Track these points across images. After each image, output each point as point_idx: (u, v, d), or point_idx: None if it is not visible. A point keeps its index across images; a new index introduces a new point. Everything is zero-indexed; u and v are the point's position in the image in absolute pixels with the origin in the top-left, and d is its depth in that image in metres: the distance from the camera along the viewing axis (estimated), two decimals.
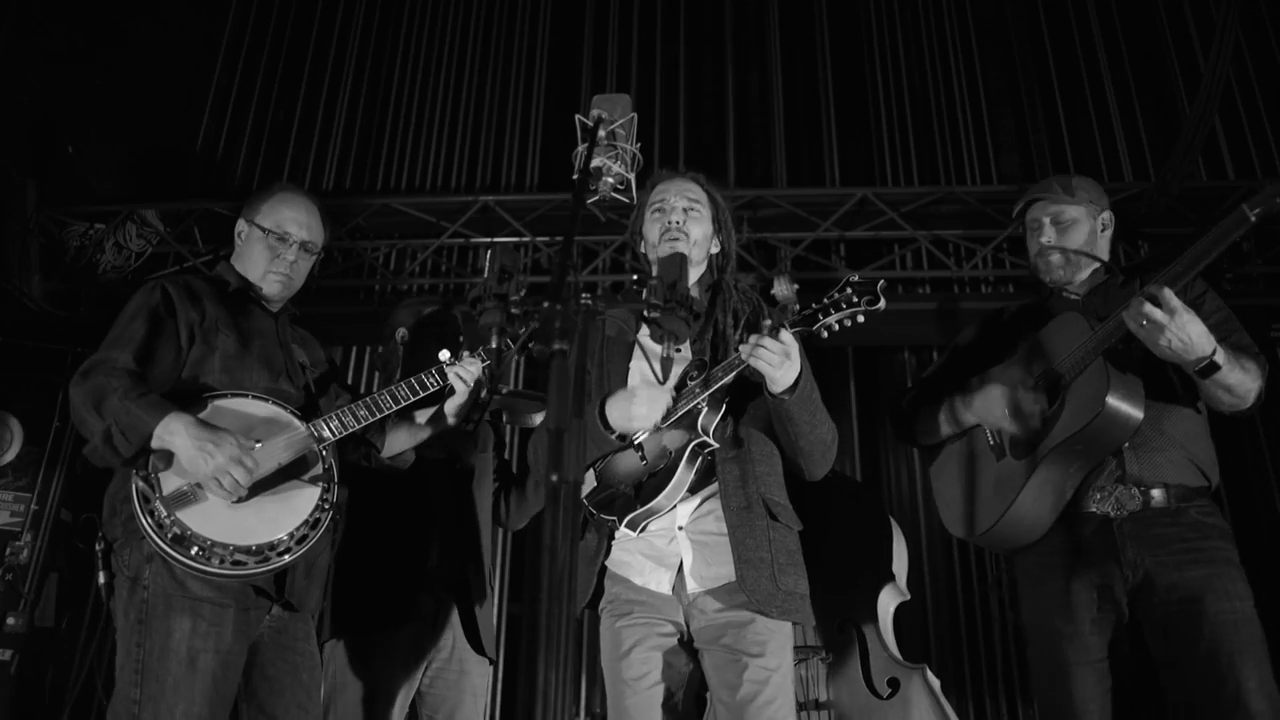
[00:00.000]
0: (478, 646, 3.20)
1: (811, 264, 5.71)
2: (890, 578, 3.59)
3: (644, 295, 1.99)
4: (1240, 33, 5.75)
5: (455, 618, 3.21)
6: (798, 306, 2.42)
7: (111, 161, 6.02)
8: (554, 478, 1.56)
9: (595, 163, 2.06)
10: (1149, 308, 2.47)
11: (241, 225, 2.91)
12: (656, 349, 2.65)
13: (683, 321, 2.04)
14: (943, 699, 3.31)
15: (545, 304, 1.64)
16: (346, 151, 6.46)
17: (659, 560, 2.53)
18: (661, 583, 2.52)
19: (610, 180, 2.30)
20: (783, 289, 2.46)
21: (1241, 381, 2.60)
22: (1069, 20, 6.37)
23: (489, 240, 5.88)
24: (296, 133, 6.51)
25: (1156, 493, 2.69)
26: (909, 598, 3.69)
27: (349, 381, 5.93)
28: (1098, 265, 2.99)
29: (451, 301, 3.52)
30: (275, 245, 2.84)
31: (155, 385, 2.51)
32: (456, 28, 6.78)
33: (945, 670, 3.50)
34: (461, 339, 3.31)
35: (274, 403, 2.62)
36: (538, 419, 3.44)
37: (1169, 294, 2.46)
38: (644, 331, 2.69)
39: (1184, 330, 2.46)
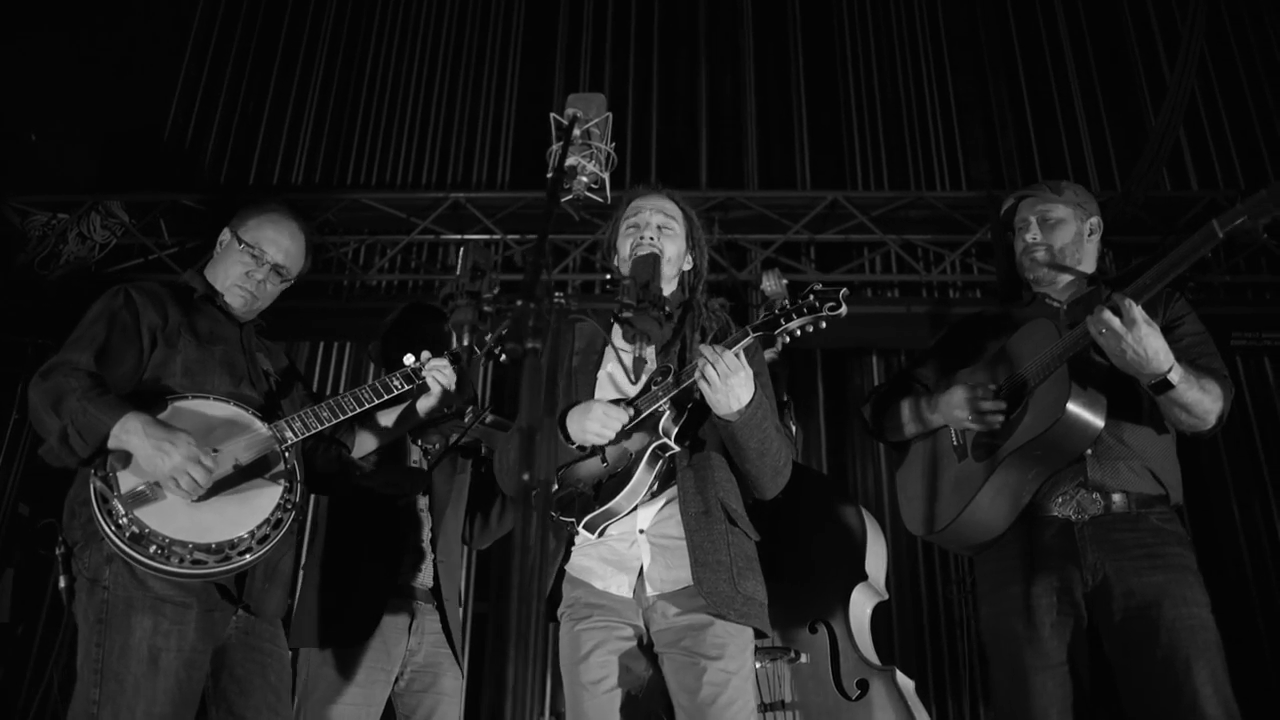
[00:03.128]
0: (455, 654, 3.26)
1: (781, 266, 5.73)
2: (863, 576, 3.56)
3: (618, 295, 1.99)
4: (1205, 45, 5.86)
5: (429, 625, 3.25)
6: (786, 302, 2.42)
7: (76, 151, 5.94)
8: (525, 476, 1.56)
9: (570, 161, 2.05)
10: (1109, 316, 2.49)
11: (225, 235, 2.89)
12: (628, 348, 2.66)
13: (655, 321, 2.04)
14: (913, 702, 3.27)
15: (519, 302, 1.64)
16: (316, 145, 6.41)
17: (619, 564, 2.53)
18: (622, 586, 2.51)
19: (584, 179, 2.30)
20: (771, 284, 2.46)
21: (1199, 401, 2.61)
22: (1039, 31, 6.45)
23: (459, 237, 5.87)
24: (266, 126, 6.45)
25: (1117, 498, 2.70)
26: (886, 598, 3.67)
27: (315, 374, 5.89)
28: (1082, 275, 2.99)
29: (433, 303, 3.56)
30: (247, 261, 2.82)
31: (116, 388, 2.49)
32: (429, 24, 6.74)
33: (909, 671, 3.49)
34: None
35: (235, 404, 2.60)
36: None
37: (1130, 304, 2.48)
38: (615, 335, 2.69)
39: (1141, 343, 2.48)
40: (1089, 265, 3.01)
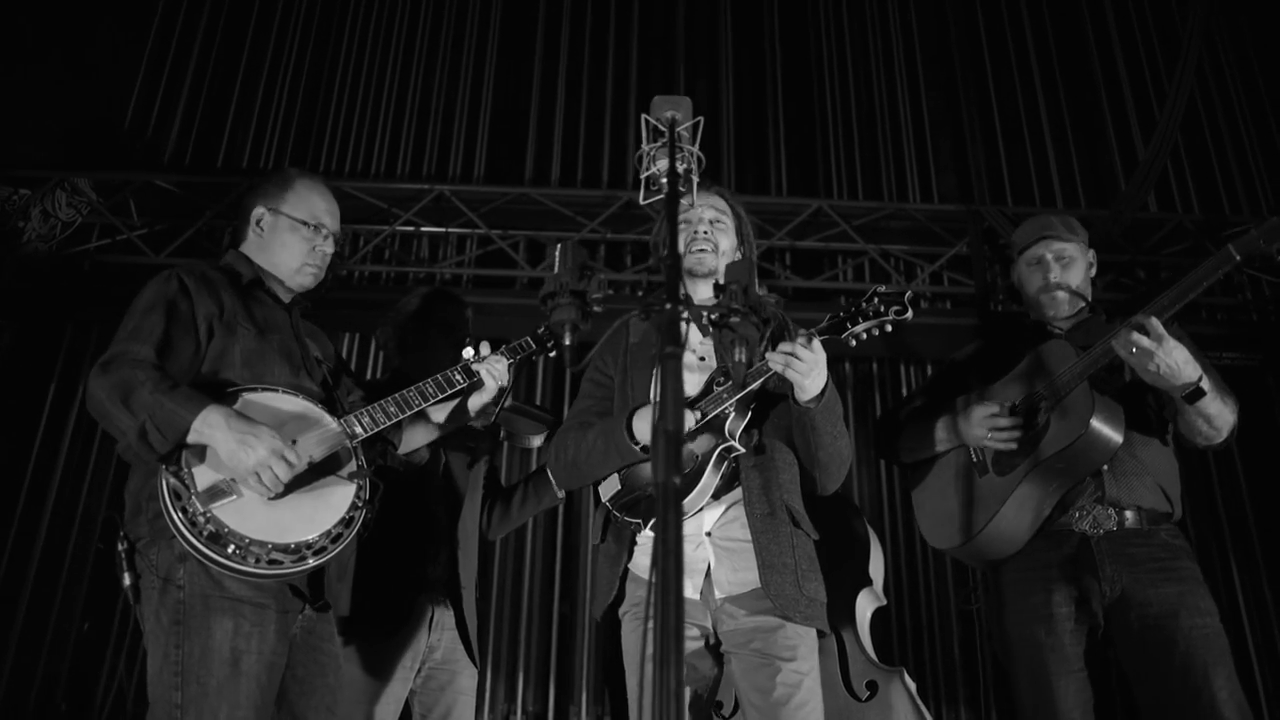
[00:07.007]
0: (469, 650, 3.20)
1: (759, 272, 5.78)
2: (867, 582, 3.64)
3: (722, 299, 2.00)
4: (1164, 75, 6.13)
5: (448, 621, 3.19)
6: (852, 305, 2.50)
7: (41, 126, 5.69)
8: (675, 480, 1.55)
9: (664, 164, 2.04)
10: (1137, 336, 2.63)
11: (262, 214, 2.75)
12: (692, 359, 2.68)
13: (754, 327, 2.05)
14: (920, 702, 3.38)
15: (667, 306, 1.64)
16: (287, 130, 6.23)
17: (686, 567, 2.54)
18: (688, 588, 2.53)
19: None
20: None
21: (1220, 413, 2.78)
22: (1008, 50, 6.62)
23: (441, 230, 5.80)
24: (235, 107, 6.25)
25: (1130, 514, 2.86)
26: (885, 603, 3.76)
27: None
28: (1084, 304, 3.16)
29: (454, 292, 3.50)
30: (311, 237, 2.72)
31: (175, 380, 2.38)
32: (405, 11, 6.62)
33: (913, 676, 3.59)
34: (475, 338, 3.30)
35: (304, 397, 2.52)
36: (536, 441, 3.43)
37: (1156, 322, 2.63)
38: (693, 336, 2.71)
39: (1170, 356, 2.62)
40: (1088, 294, 3.19)
